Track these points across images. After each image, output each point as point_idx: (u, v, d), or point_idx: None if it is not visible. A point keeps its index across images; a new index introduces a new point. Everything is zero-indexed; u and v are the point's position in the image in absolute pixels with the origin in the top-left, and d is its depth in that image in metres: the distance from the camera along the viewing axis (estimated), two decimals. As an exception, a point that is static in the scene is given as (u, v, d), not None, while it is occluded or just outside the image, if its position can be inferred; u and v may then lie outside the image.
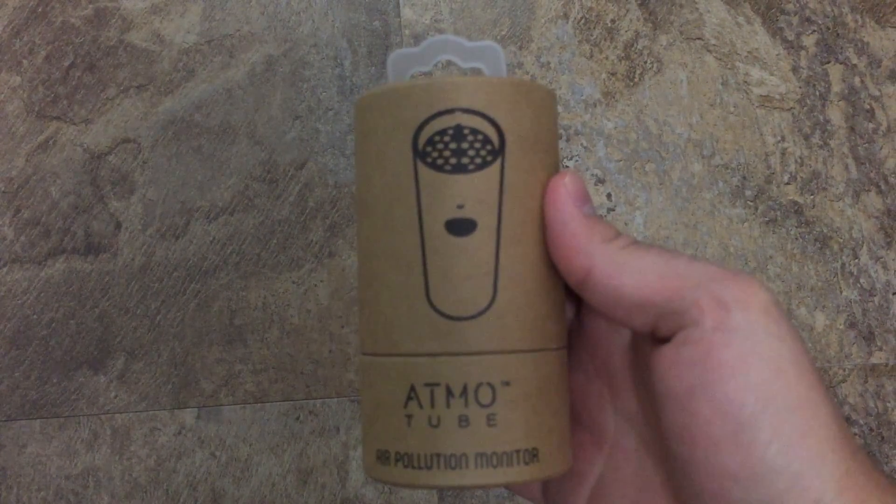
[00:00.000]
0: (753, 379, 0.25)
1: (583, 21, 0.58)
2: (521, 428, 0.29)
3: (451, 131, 0.29)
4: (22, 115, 0.53)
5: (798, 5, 0.59)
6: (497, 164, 0.30)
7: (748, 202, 0.56)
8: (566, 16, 0.58)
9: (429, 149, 0.30)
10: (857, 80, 0.59)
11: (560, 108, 0.56)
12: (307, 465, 0.51)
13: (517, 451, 0.29)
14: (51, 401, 0.51)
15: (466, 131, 0.29)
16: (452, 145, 0.29)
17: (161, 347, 0.51)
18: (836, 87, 0.58)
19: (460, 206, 0.29)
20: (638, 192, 0.56)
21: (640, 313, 0.28)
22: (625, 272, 0.28)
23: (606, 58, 0.57)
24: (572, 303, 0.34)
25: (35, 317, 0.51)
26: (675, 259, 0.28)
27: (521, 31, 0.57)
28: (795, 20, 0.59)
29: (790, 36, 0.59)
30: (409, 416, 0.29)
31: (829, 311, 0.55)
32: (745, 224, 0.56)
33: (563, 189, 0.30)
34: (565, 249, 0.29)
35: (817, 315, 0.55)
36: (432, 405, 0.29)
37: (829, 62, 0.59)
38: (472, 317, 0.29)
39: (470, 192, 0.29)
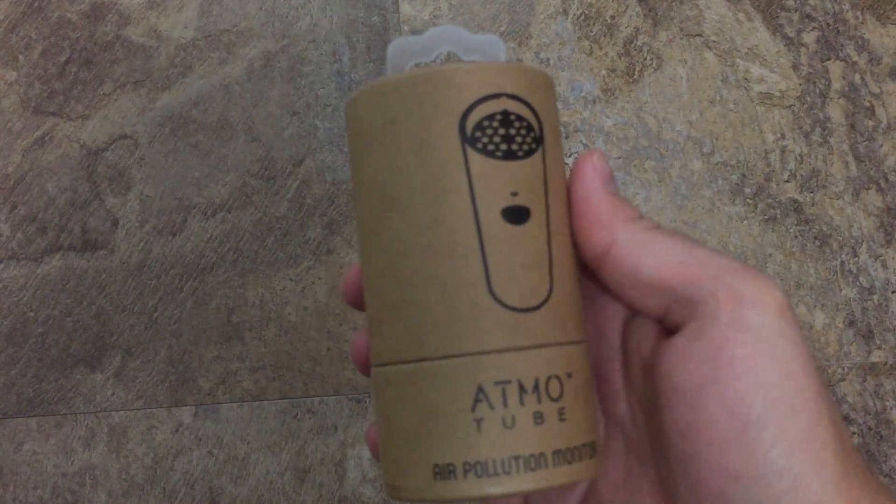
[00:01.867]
0: (763, 379, 0.25)
1: (582, 17, 0.57)
2: (584, 421, 0.28)
3: (499, 116, 0.28)
4: (18, 111, 0.53)
5: (798, 2, 0.59)
6: (539, 151, 0.29)
7: (748, 200, 0.56)
8: (565, 12, 0.57)
9: (478, 133, 0.28)
10: (857, 77, 0.58)
11: (559, 105, 0.56)
12: (305, 464, 0.50)
13: (584, 445, 0.28)
14: (47, 398, 0.50)
15: (513, 117, 0.28)
16: (501, 131, 0.28)
17: (158, 345, 0.51)
18: (837, 85, 0.58)
19: (514, 194, 0.28)
20: (637, 190, 0.55)
21: (655, 295, 0.28)
22: (645, 252, 0.28)
23: (606, 54, 0.57)
24: None
25: (32, 314, 0.51)
26: (697, 248, 0.28)
27: (520, 27, 0.57)
28: (796, 17, 0.59)
29: (790, 33, 0.58)
30: (479, 420, 0.27)
31: (829, 309, 0.55)
32: (745, 222, 0.55)
33: (591, 165, 0.30)
34: (588, 223, 0.29)
35: (817, 313, 0.55)
36: (505, 404, 0.27)
37: (829, 59, 0.58)
38: (536, 307, 0.28)
39: (522, 179, 0.28)
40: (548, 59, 0.56)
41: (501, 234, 0.28)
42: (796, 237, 0.56)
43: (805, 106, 0.57)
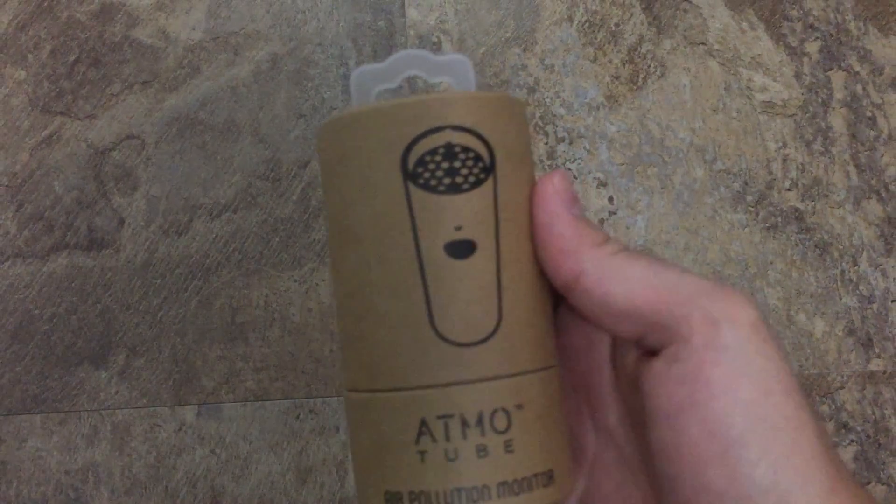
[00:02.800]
0: (742, 397, 0.25)
1: (587, 24, 0.58)
2: (537, 451, 0.28)
3: (441, 150, 0.28)
4: (26, 110, 0.54)
5: (801, 12, 0.59)
6: (490, 181, 0.29)
7: (749, 208, 0.56)
8: (570, 19, 0.58)
9: (420, 169, 0.28)
10: (859, 87, 0.59)
11: (563, 111, 0.56)
12: (307, 464, 0.51)
13: (535, 476, 0.28)
14: (52, 396, 0.51)
15: (458, 149, 0.28)
16: (444, 165, 0.28)
17: (162, 344, 0.52)
18: (839, 95, 0.59)
19: (458, 228, 0.28)
20: (640, 196, 0.56)
21: (628, 322, 0.28)
22: (614, 279, 0.27)
23: (610, 61, 0.57)
24: None
25: (37, 311, 0.52)
26: (666, 270, 0.28)
27: (525, 33, 0.57)
28: (799, 27, 0.59)
29: (793, 42, 0.59)
30: (423, 453, 0.28)
31: (829, 317, 0.55)
32: (746, 229, 0.56)
33: (552, 188, 0.29)
34: (553, 252, 0.29)
35: (816, 321, 0.55)
36: (447, 438, 0.28)
37: (831, 69, 0.59)
38: (481, 341, 0.28)
39: (467, 212, 0.28)
40: (552, 66, 0.57)
41: (444, 269, 0.28)
42: (797, 245, 0.56)
43: (807, 115, 0.58)
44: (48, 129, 0.53)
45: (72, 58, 0.54)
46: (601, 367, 0.32)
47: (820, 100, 0.58)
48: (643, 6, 0.58)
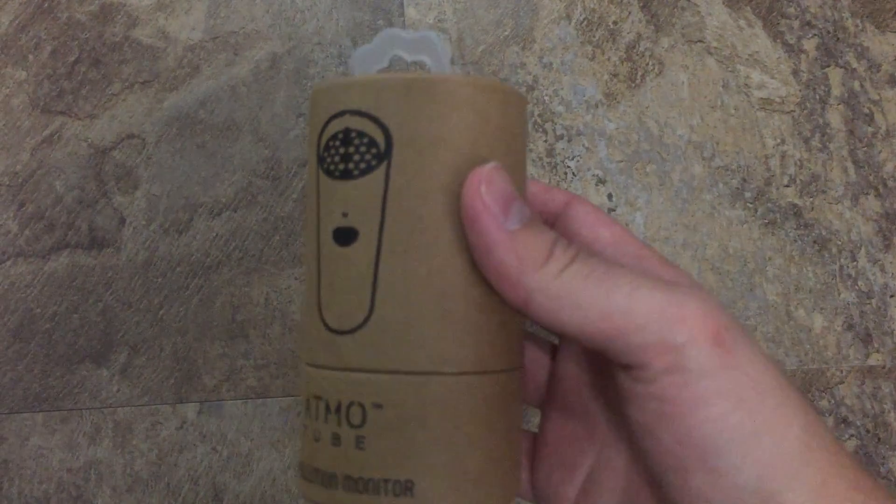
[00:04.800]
0: (714, 413, 0.25)
1: (585, 22, 0.58)
2: (392, 456, 0.26)
3: (341, 135, 0.28)
4: (27, 110, 0.54)
5: (799, 9, 0.59)
6: (381, 169, 0.27)
7: (748, 204, 0.56)
8: (569, 17, 0.58)
9: (325, 154, 0.28)
10: (856, 84, 0.59)
11: (562, 109, 0.57)
12: (308, 461, 0.51)
13: (386, 481, 0.26)
14: (53, 394, 0.51)
15: (354, 134, 0.27)
16: (342, 150, 0.27)
17: (163, 342, 0.52)
18: (836, 91, 0.59)
19: (345, 214, 0.27)
20: (639, 193, 0.56)
21: (586, 345, 0.27)
22: (563, 309, 0.26)
23: (608, 59, 0.58)
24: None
25: (38, 310, 0.52)
26: (617, 287, 0.26)
27: (524, 31, 0.57)
28: (796, 24, 0.59)
29: (791, 40, 0.59)
30: (305, 427, 0.28)
31: (828, 312, 0.55)
32: (745, 226, 0.56)
33: (480, 203, 0.26)
34: (495, 278, 0.27)
35: (815, 317, 0.55)
36: (316, 418, 0.28)
37: (829, 66, 0.59)
38: (350, 331, 0.27)
39: (353, 199, 0.27)
40: (551, 64, 0.57)
41: (330, 255, 0.28)
42: (796, 241, 0.56)
43: (805, 112, 0.58)
44: (49, 129, 0.54)
45: (72, 58, 0.55)
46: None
47: (817, 96, 0.58)
48: (641, 4, 0.58)
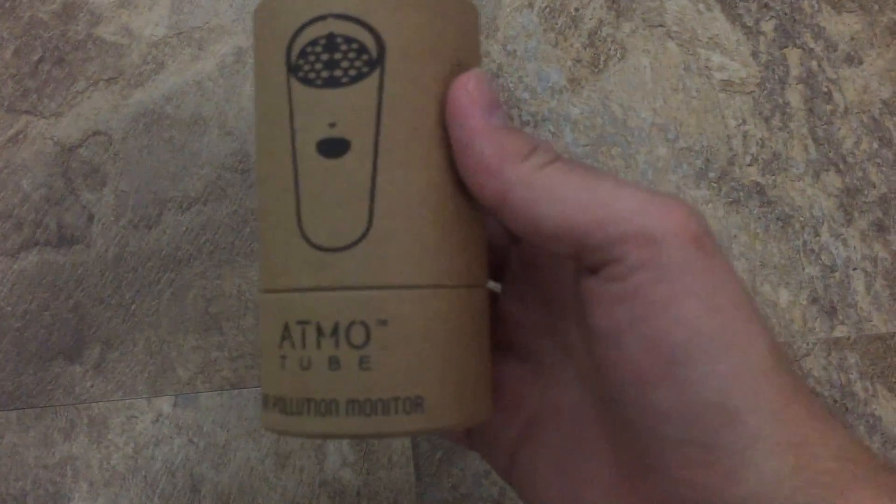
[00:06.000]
0: (686, 315, 0.24)
1: (547, 10, 0.59)
2: (402, 373, 0.26)
3: (323, 41, 0.26)
4: (-8, 109, 0.54)
5: (756, -8, 0.61)
6: (375, 76, 0.26)
7: (712, 183, 0.57)
8: (531, 5, 0.59)
9: (301, 62, 0.26)
10: (814, 63, 0.60)
11: (527, 95, 0.57)
12: (285, 449, 0.51)
13: (395, 399, 0.26)
14: (27, 392, 0.51)
15: (339, 40, 0.26)
16: (325, 56, 0.26)
17: (136, 336, 0.52)
18: (795, 71, 0.60)
19: (332, 125, 0.26)
20: (605, 176, 0.57)
21: (561, 244, 0.26)
22: (542, 200, 0.25)
23: (571, 45, 0.58)
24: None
25: (9, 309, 0.52)
26: (599, 183, 0.25)
27: (487, 20, 0.58)
28: (754, 6, 0.60)
29: (749, 22, 0.60)
30: (283, 358, 0.26)
31: (793, 287, 0.56)
32: (710, 205, 0.57)
33: (466, 97, 0.26)
34: (473, 171, 0.26)
35: (781, 291, 0.56)
36: (304, 345, 0.26)
37: (787, 47, 0.60)
38: (345, 247, 0.26)
39: (342, 108, 0.26)
40: (514, 51, 0.58)
41: (315, 168, 0.26)
42: (759, 218, 0.57)
43: (765, 92, 0.59)
44: (14, 129, 0.54)
45: (35, 57, 0.55)
46: (564, 279, 0.30)
47: (777, 77, 0.60)
48: (601, -10, 0.59)
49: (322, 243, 0.26)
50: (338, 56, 0.26)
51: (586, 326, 0.27)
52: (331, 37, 0.26)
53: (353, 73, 0.26)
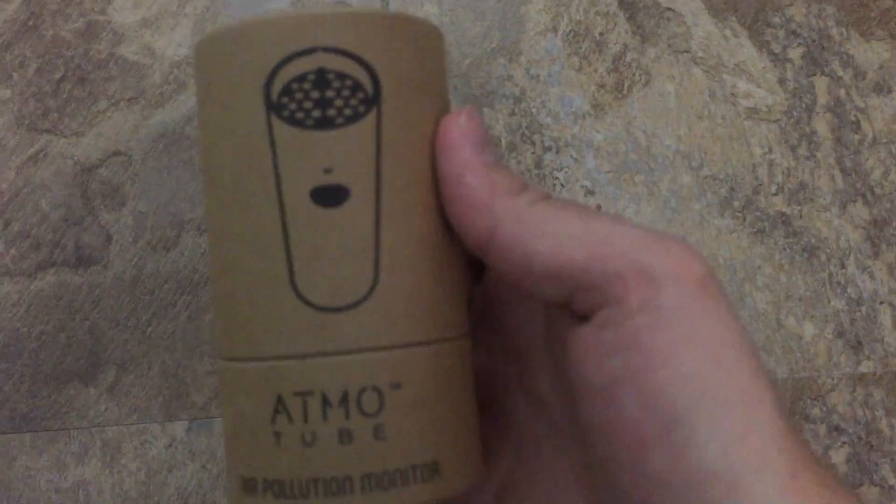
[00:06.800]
0: (688, 368, 0.22)
1: (571, 34, 0.58)
2: (417, 439, 0.24)
3: (311, 76, 0.23)
4: (12, 128, 0.54)
5: (784, 18, 0.60)
6: (372, 115, 0.24)
7: (736, 213, 0.56)
8: (555, 29, 0.58)
9: (285, 99, 0.23)
10: (842, 92, 0.59)
11: (549, 121, 0.57)
12: (299, 477, 0.51)
13: (413, 468, 0.24)
14: (41, 414, 0.51)
15: (331, 76, 0.24)
16: (314, 94, 0.23)
17: (152, 360, 0.51)
18: (822, 100, 0.59)
19: (328, 170, 0.24)
20: (627, 204, 0.56)
21: (553, 285, 0.24)
22: (535, 235, 0.23)
23: (595, 70, 0.58)
24: (472, 270, 0.29)
25: (25, 329, 0.51)
26: (596, 221, 0.24)
27: (510, 43, 0.57)
28: (781, 33, 0.60)
29: (776, 49, 0.59)
30: (278, 434, 0.24)
31: (818, 320, 0.55)
32: (734, 234, 0.56)
33: (458, 131, 0.24)
34: (463, 206, 0.24)
35: (805, 325, 0.55)
36: (305, 419, 0.23)
37: (814, 74, 0.59)
38: (350, 306, 0.24)
39: (339, 152, 0.24)
40: (537, 76, 0.57)
41: (309, 218, 0.24)
42: (784, 249, 0.56)
43: (792, 120, 0.58)
44: (34, 147, 0.53)
45: (57, 76, 0.54)
46: (534, 329, 0.28)
47: (804, 105, 0.59)
48: (627, 15, 0.58)
49: (323, 303, 0.24)
50: (330, 94, 0.24)
51: (566, 381, 0.25)
52: (320, 72, 0.24)
53: (348, 112, 0.24)
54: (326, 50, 0.23)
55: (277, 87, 0.23)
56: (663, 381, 0.22)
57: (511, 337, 0.29)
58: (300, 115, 0.23)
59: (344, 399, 0.23)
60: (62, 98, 0.54)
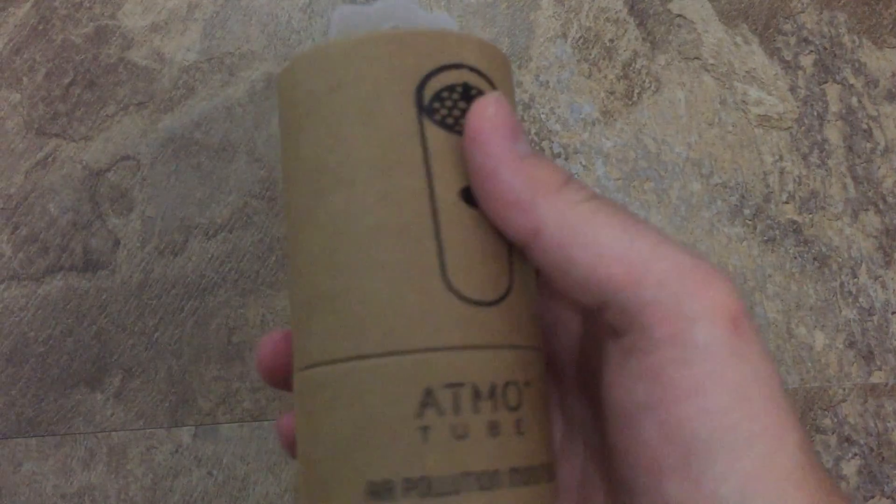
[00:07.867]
0: (712, 405, 0.21)
1: (581, 41, 0.58)
2: (543, 438, 0.24)
3: (459, 88, 0.25)
4: (21, 132, 0.54)
5: (795, 25, 0.59)
6: None
7: (747, 221, 0.56)
8: (565, 35, 0.58)
9: (436, 105, 0.24)
10: (854, 100, 0.59)
11: (559, 127, 0.56)
12: (305, 484, 0.50)
13: (542, 466, 0.24)
14: (47, 419, 0.50)
15: (474, 92, 0.25)
16: (462, 104, 0.25)
17: (158, 365, 0.51)
18: (834, 107, 0.59)
19: None
20: (637, 211, 0.56)
21: (588, 294, 0.23)
22: (577, 242, 0.23)
23: (605, 77, 0.58)
24: None
25: (32, 334, 0.51)
26: (641, 237, 0.23)
27: (520, 50, 0.57)
28: (793, 40, 0.59)
29: (788, 56, 0.59)
30: (426, 429, 0.23)
31: (829, 330, 0.55)
32: (744, 243, 0.56)
33: (488, 122, 0.24)
34: (502, 205, 0.23)
35: (816, 334, 0.55)
36: (457, 411, 0.23)
37: (826, 82, 0.59)
38: (494, 302, 0.24)
39: None
40: (547, 82, 0.57)
41: (461, 216, 0.24)
42: (795, 258, 0.56)
43: (803, 128, 0.58)
44: (43, 151, 0.53)
45: (67, 80, 0.54)
46: (572, 349, 0.28)
47: (815, 113, 0.58)
48: (637, 22, 0.58)
49: (474, 296, 0.24)
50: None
51: (598, 397, 0.25)
52: (466, 86, 0.25)
53: None
54: (471, 69, 0.25)
55: (429, 92, 0.25)
56: (685, 415, 0.21)
57: (550, 359, 0.29)
58: (450, 120, 0.25)
59: (492, 392, 0.23)
60: (71, 102, 0.54)
